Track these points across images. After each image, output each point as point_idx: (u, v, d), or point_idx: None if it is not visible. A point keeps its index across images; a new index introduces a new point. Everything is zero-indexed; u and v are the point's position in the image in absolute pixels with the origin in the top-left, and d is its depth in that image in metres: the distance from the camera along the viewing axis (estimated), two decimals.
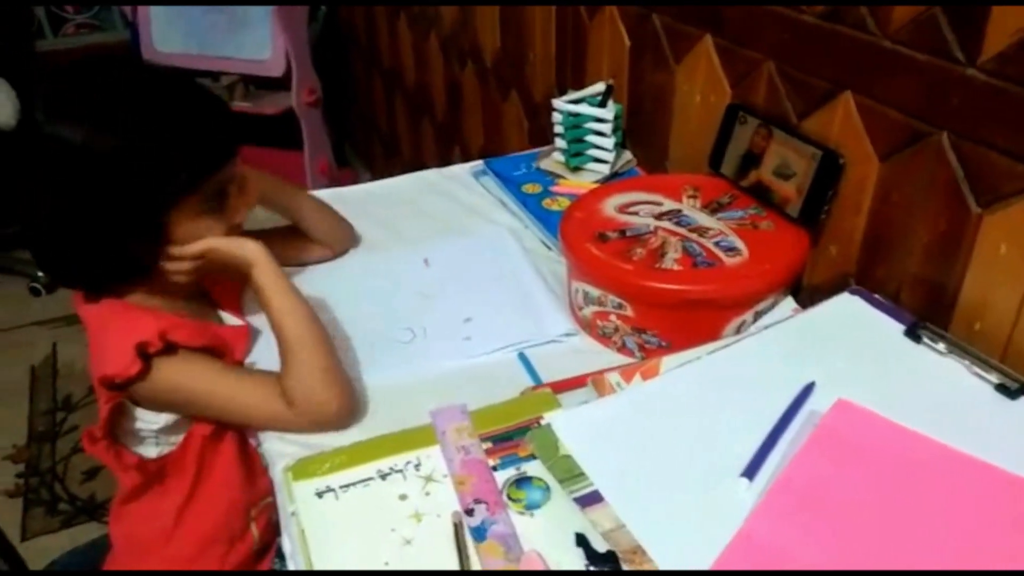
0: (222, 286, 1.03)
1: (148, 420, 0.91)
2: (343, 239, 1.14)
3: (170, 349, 0.85)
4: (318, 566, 0.68)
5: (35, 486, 2.00)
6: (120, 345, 0.83)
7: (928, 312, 0.83)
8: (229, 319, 1.01)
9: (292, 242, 1.10)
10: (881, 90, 0.82)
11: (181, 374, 0.86)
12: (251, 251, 0.89)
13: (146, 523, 0.97)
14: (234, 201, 0.91)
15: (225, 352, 0.92)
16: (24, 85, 2.66)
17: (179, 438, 0.93)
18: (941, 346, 0.78)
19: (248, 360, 0.94)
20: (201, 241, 0.87)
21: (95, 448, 0.89)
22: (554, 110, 1.23)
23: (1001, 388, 0.73)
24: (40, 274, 2.71)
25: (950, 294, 0.81)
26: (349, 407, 0.85)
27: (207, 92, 0.90)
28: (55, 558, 1.15)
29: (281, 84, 2.71)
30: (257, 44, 2.67)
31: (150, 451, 0.93)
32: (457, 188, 1.31)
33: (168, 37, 2.78)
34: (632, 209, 0.99)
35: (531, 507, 0.71)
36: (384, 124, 2.75)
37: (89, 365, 0.88)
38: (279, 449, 0.82)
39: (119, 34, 3.12)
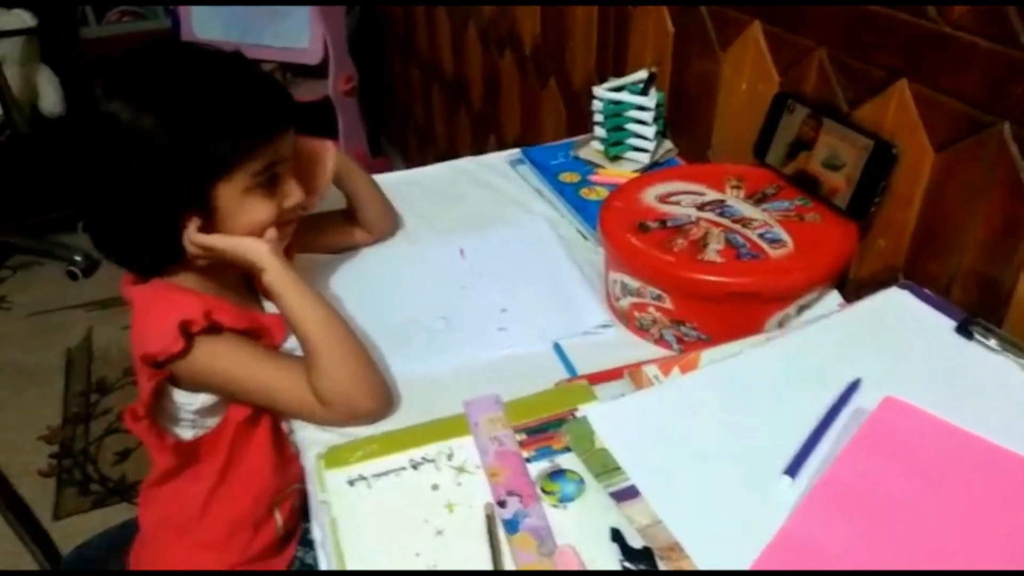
0: None
1: (185, 401, 0.91)
2: (388, 226, 1.13)
3: (213, 329, 0.85)
4: (349, 555, 0.67)
5: (68, 467, 2.02)
6: (164, 323, 0.83)
7: (981, 308, 0.80)
8: (271, 308, 1.00)
9: (340, 227, 1.10)
10: (939, 78, 0.79)
11: (221, 355, 0.86)
12: (257, 254, 0.86)
13: (176, 505, 0.97)
14: (286, 184, 0.90)
15: (264, 338, 0.91)
16: (68, 72, 2.70)
17: (215, 421, 0.93)
18: (994, 343, 0.75)
19: (286, 346, 0.93)
20: (206, 237, 0.86)
21: (137, 426, 0.89)
22: (594, 98, 1.21)
23: None
24: (78, 258, 2.74)
25: (1005, 290, 0.78)
26: (381, 402, 0.83)
27: (255, 68, 0.89)
28: (87, 538, 1.16)
29: (318, 72, 2.72)
30: (296, 32, 2.68)
31: (186, 433, 0.94)
32: (493, 177, 1.29)
33: (208, 25, 2.81)
34: (673, 199, 0.97)
35: (565, 500, 0.70)
36: (420, 114, 2.74)
37: (131, 344, 0.88)
38: (312, 436, 0.82)
39: (160, 22, 3.15)
